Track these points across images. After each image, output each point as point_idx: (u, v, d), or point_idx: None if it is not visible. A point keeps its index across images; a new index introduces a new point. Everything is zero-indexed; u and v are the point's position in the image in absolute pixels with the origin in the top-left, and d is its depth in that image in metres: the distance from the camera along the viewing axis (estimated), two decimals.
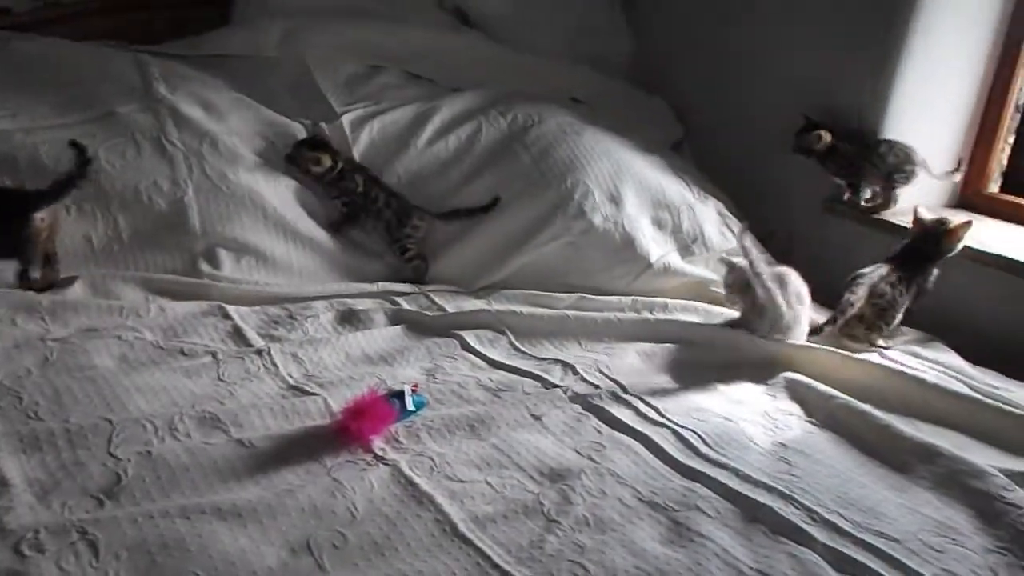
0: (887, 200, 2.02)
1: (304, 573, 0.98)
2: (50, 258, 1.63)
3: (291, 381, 1.41)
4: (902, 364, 1.66)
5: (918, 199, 1.94)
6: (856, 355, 1.66)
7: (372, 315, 1.71)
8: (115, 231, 1.73)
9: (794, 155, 2.08)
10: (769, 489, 1.21)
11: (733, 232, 2.11)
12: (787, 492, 1.21)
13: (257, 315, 1.64)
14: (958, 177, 2.09)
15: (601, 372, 1.55)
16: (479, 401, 1.41)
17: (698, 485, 1.22)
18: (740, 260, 1.82)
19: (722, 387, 1.54)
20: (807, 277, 1.73)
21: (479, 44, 2.42)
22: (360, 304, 1.75)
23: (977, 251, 1.82)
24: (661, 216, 2.05)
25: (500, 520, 1.10)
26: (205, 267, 1.75)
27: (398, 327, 1.67)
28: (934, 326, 1.86)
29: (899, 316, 1.77)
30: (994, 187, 2.15)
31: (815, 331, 1.72)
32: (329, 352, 1.52)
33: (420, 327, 1.68)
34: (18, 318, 1.49)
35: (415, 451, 1.23)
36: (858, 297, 1.72)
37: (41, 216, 1.59)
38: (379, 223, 1.94)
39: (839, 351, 1.66)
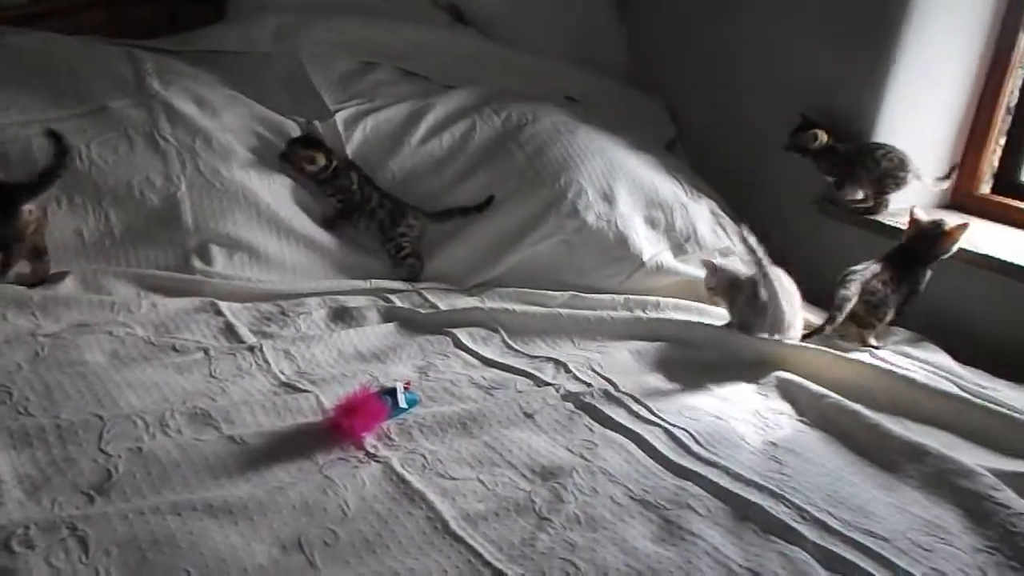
0: (878, 205, 2.03)
1: (295, 570, 0.98)
2: (40, 252, 1.62)
3: (283, 378, 1.40)
4: (892, 364, 1.66)
5: (910, 200, 1.95)
6: (847, 355, 1.66)
7: (365, 312, 1.71)
8: (107, 226, 1.73)
9: (789, 156, 2.08)
10: (760, 488, 1.22)
11: (726, 231, 2.12)
12: (777, 491, 1.21)
13: (249, 312, 1.64)
14: (947, 184, 2.10)
15: (593, 370, 1.55)
16: (471, 399, 1.41)
17: (689, 483, 1.22)
18: (721, 261, 1.83)
19: (714, 386, 1.54)
20: (798, 277, 1.74)
21: (473, 41, 2.42)
22: (353, 301, 1.75)
23: (968, 252, 1.82)
24: (654, 215, 2.06)
25: (492, 518, 1.10)
26: (197, 263, 1.74)
27: (391, 324, 1.67)
28: (924, 326, 1.87)
29: (890, 314, 1.78)
30: (985, 188, 2.16)
31: (815, 331, 1.72)
32: (321, 349, 1.52)
33: (413, 324, 1.68)
34: (8, 313, 1.48)
35: (407, 448, 1.23)
36: (852, 293, 1.72)
37: (29, 208, 1.58)
38: (372, 223, 1.93)
39: (830, 351, 1.66)
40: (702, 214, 2.11)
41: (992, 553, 1.14)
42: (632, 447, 1.30)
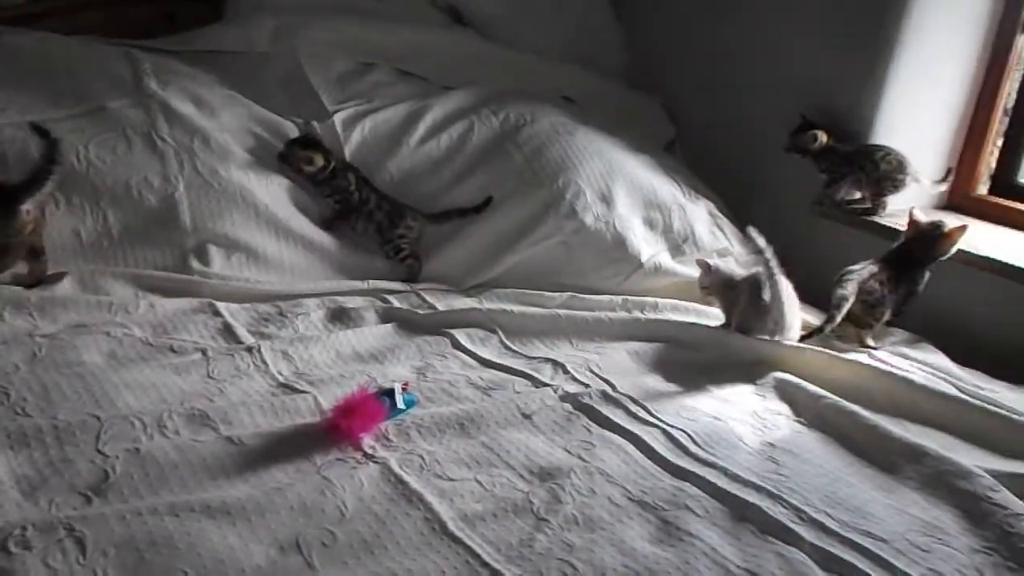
0: (875, 206, 2.03)
1: (293, 571, 0.98)
2: (38, 253, 1.62)
3: (281, 379, 1.40)
4: (890, 365, 1.66)
5: (907, 201, 1.95)
6: (845, 355, 1.67)
7: (363, 313, 1.71)
8: (105, 227, 1.72)
9: (789, 156, 2.09)
10: (758, 489, 1.22)
11: (724, 232, 2.12)
12: (775, 492, 1.21)
13: (247, 312, 1.64)
14: (945, 187, 2.10)
15: (591, 371, 1.55)
16: (469, 399, 1.41)
17: (687, 484, 1.22)
18: (716, 261, 1.83)
19: (712, 387, 1.54)
20: (797, 278, 1.74)
21: (472, 42, 2.42)
22: (351, 302, 1.75)
23: (966, 253, 1.83)
24: (652, 216, 2.06)
25: (489, 518, 1.10)
26: (195, 264, 1.74)
27: (389, 325, 1.67)
28: (922, 327, 1.87)
29: (887, 314, 1.78)
30: (983, 189, 2.16)
31: (814, 331, 1.72)
32: (319, 350, 1.52)
33: (411, 325, 1.68)
34: (6, 313, 1.48)
35: (405, 449, 1.23)
36: (850, 292, 1.72)
37: (27, 208, 1.57)
38: (370, 224, 1.93)
39: (828, 351, 1.67)
40: (700, 215, 2.11)
41: (989, 554, 1.14)
42: (630, 448, 1.31)
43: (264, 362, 1.44)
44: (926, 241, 1.78)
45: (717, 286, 1.76)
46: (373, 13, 2.36)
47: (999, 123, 2.11)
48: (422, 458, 1.21)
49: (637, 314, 1.83)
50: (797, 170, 2.10)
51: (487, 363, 1.55)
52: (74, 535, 0.97)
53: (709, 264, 1.78)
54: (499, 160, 2.06)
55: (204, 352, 1.44)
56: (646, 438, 1.33)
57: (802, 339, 1.71)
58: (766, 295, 1.64)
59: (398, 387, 1.34)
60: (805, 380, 1.56)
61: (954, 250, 1.78)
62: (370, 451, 1.21)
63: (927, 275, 1.79)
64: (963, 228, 1.77)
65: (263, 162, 1.92)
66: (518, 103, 2.19)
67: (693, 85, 2.43)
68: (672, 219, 2.07)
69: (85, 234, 1.71)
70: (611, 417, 1.38)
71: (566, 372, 1.54)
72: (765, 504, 1.18)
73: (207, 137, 1.88)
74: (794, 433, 1.42)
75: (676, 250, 2.04)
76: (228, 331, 1.55)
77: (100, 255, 1.70)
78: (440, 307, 1.79)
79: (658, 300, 1.90)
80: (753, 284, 1.69)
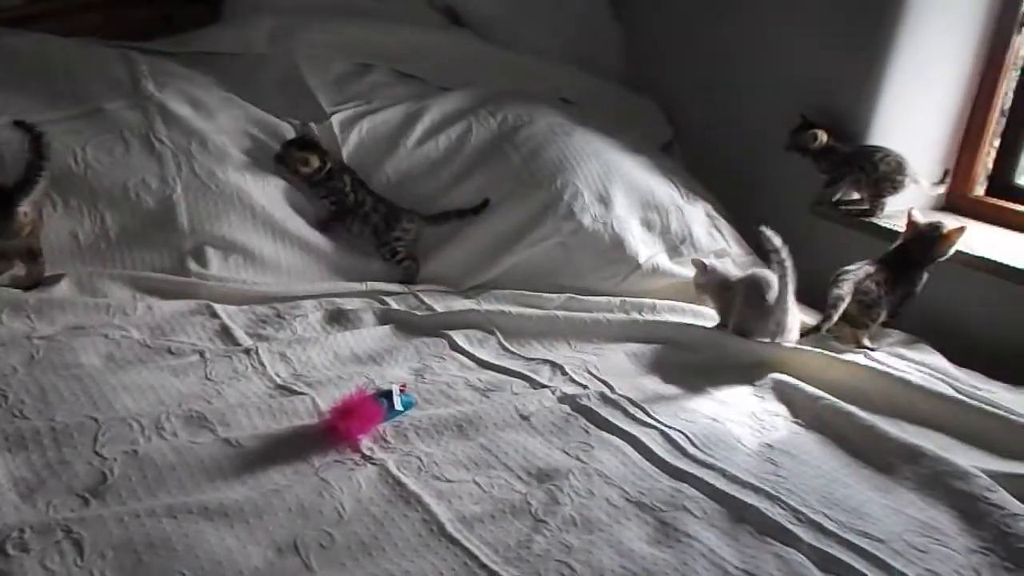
0: (874, 207, 2.03)
1: (291, 573, 0.98)
2: (35, 255, 1.62)
3: (279, 380, 1.40)
4: (887, 365, 1.67)
5: (905, 201, 1.95)
6: (842, 356, 1.67)
7: (361, 314, 1.71)
8: (102, 228, 1.72)
9: (788, 156, 2.09)
10: (756, 490, 1.22)
11: (722, 233, 2.12)
12: (773, 493, 1.21)
13: (245, 314, 1.64)
14: (943, 189, 2.10)
15: (589, 372, 1.55)
16: (467, 401, 1.41)
17: (685, 485, 1.22)
18: (712, 261, 1.83)
19: (709, 388, 1.55)
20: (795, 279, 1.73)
21: (470, 43, 2.42)
22: (349, 303, 1.75)
23: (964, 254, 1.83)
24: (650, 217, 2.06)
25: (487, 520, 1.10)
26: (193, 265, 1.74)
27: (387, 327, 1.67)
28: (920, 328, 1.87)
29: (883, 315, 1.78)
30: (980, 190, 2.16)
31: (811, 331, 1.72)
32: (317, 351, 1.52)
33: (409, 327, 1.68)
34: (3, 316, 1.48)
35: (403, 451, 1.23)
36: (846, 292, 1.72)
37: (24, 210, 1.57)
38: (366, 227, 1.93)
39: (825, 352, 1.67)
40: (698, 216, 2.12)
41: (986, 554, 1.14)
42: (628, 449, 1.31)
43: (262, 364, 1.44)
44: (925, 242, 1.78)
45: (712, 286, 1.76)
46: (371, 14, 2.36)
47: (996, 124, 2.12)
48: (420, 460, 1.21)
49: (635, 315, 1.83)
50: (796, 171, 2.10)
51: (485, 364, 1.55)
52: (72, 537, 0.97)
53: (705, 264, 1.78)
54: (497, 161, 2.06)
55: (202, 354, 1.44)
56: (644, 439, 1.33)
57: (799, 338, 1.71)
58: (770, 296, 1.64)
59: (396, 389, 1.34)
60: (803, 381, 1.56)
61: (952, 251, 1.78)
62: (368, 453, 1.21)
63: (925, 276, 1.80)
64: (962, 229, 1.77)
65: (260, 164, 1.92)
66: (516, 104, 2.19)
67: (692, 85, 2.43)
68: (670, 220, 2.07)
69: (83, 236, 1.71)
70: (609, 418, 1.38)
71: (564, 373, 1.54)
72: (763, 505, 1.18)
73: (204, 139, 1.88)
74: (792, 434, 1.43)
75: (674, 251, 2.04)
76: (226, 333, 1.55)
77: (98, 257, 1.70)
78: (438, 308, 1.79)
79: (656, 301, 1.91)
80: (750, 285, 1.69)
